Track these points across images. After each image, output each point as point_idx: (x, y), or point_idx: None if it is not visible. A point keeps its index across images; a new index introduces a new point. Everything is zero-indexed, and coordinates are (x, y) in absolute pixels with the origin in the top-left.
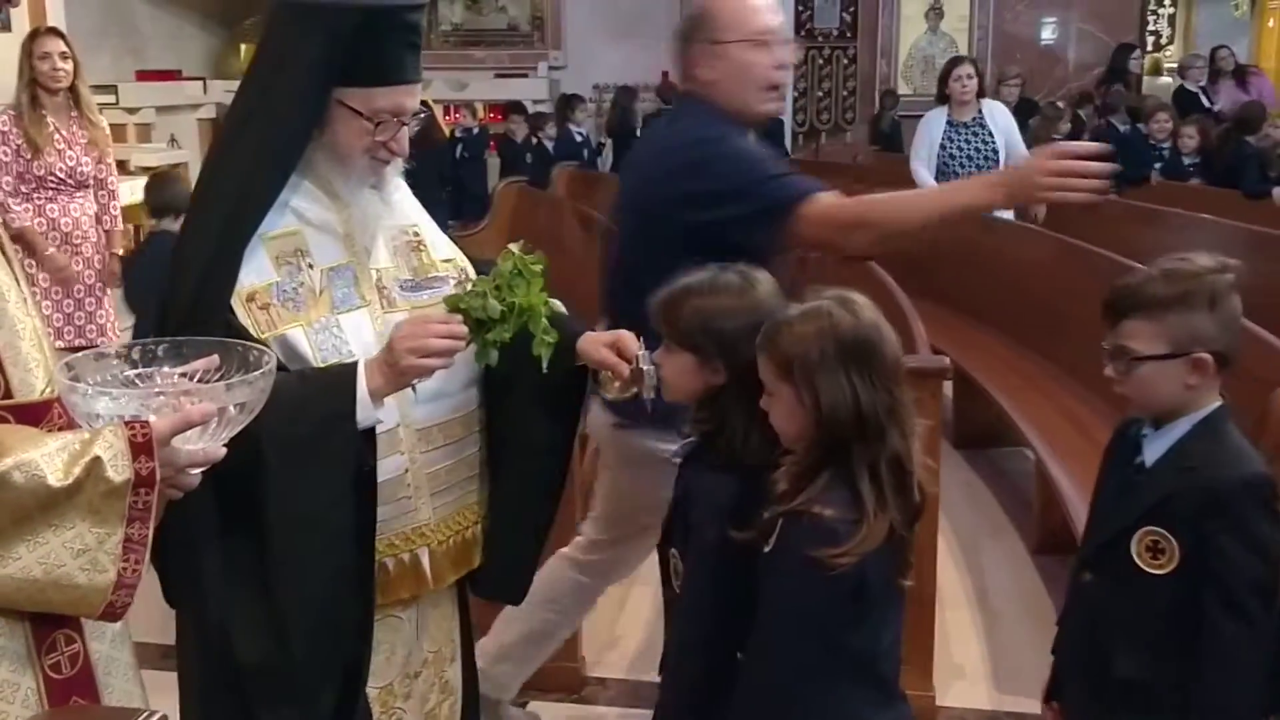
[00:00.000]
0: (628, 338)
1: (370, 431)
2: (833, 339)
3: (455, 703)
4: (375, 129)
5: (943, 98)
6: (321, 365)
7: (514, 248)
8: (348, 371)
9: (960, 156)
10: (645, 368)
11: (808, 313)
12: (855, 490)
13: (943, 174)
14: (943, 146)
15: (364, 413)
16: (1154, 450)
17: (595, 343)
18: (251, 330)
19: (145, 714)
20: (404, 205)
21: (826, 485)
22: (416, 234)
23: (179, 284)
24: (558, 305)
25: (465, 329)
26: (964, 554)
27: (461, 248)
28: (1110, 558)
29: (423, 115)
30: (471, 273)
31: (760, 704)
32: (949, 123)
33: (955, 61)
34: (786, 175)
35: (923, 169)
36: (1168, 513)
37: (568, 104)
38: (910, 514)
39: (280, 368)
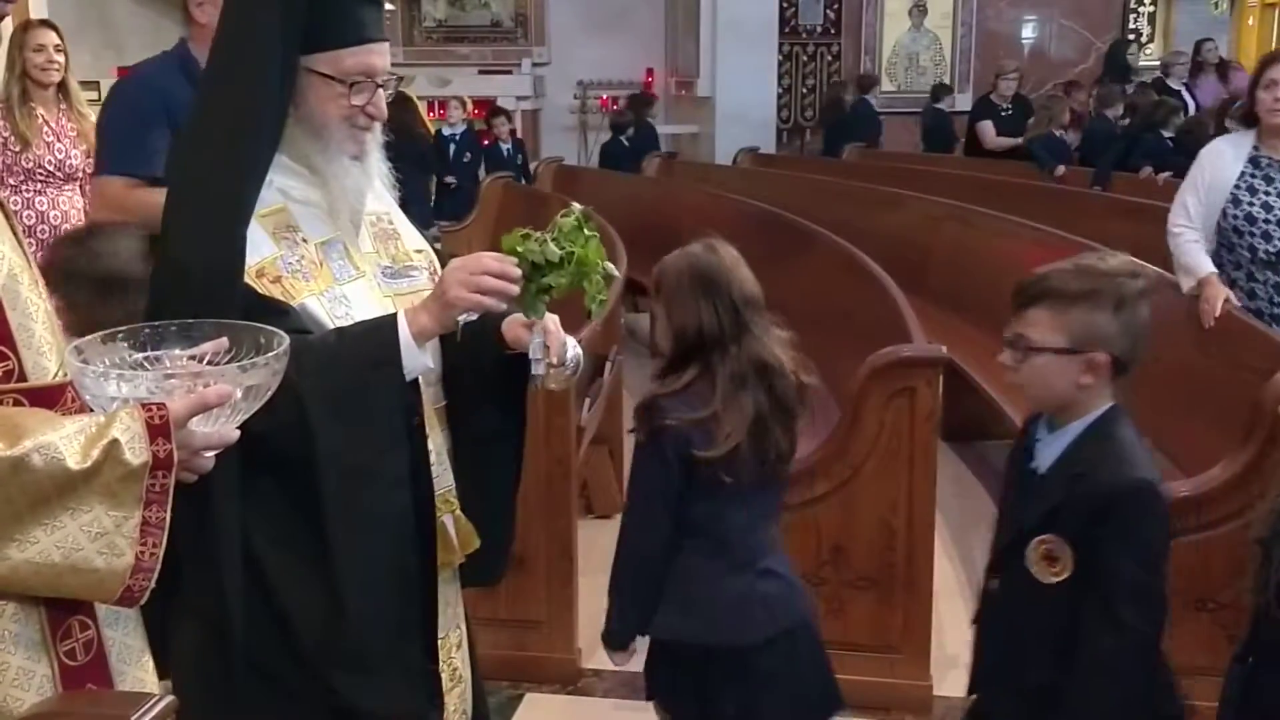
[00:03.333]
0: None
1: (416, 384)
2: (689, 273)
3: (465, 690)
4: (350, 90)
5: (1250, 117)
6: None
7: (576, 206)
8: (387, 320)
9: (1272, 217)
10: (534, 354)
11: (681, 251)
12: (712, 386)
13: (1235, 243)
14: (1237, 198)
15: (410, 358)
16: (1046, 455)
17: (513, 324)
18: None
19: (155, 698)
20: (380, 190)
21: (685, 383)
22: (391, 221)
23: (182, 272)
24: (613, 269)
25: (519, 272)
26: (956, 545)
27: (448, 244)
28: (1011, 564)
29: (393, 80)
30: (439, 266)
31: (624, 568)
32: (1256, 160)
33: (1271, 60)
34: None
35: (1190, 230)
36: (1059, 520)
37: (645, 102)
38: (780, 401)
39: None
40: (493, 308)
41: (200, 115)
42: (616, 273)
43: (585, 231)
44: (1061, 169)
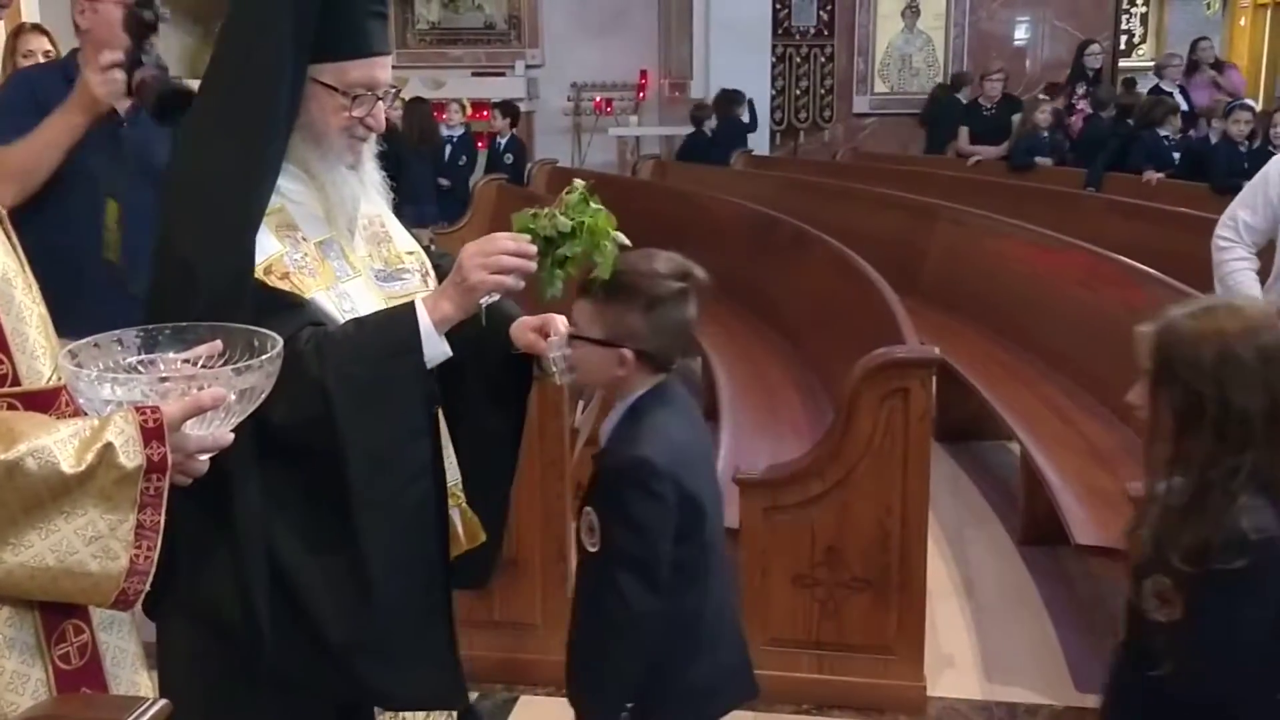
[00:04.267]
0: (554, 319)
1: (434, 374)
2: None
3: None
4: (351, 103)
5: None
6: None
7: (579, 183)
8: (407, 308)
9: None
10: (552, 354)
11: None
12: None
13: None
14: None
15: (430, 345)
16: (604, 433)
17: (523, 327)
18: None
19: (148, 702)
20: (372, 193)
21: None
22: (383, 224)
23: (189, 274)
24: (623, 237)
25: (534, 248)
26: (950, 546)
27: (442, 246)
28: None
29: (392, 90)
30: (430, 267)
31: None
32: None
33: None
34: None
35: (1237, 247)
36: (592, 493)
37: (732, 98)
38: None
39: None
40: (514, 286)
41: (208, 117)
42: (627, 241)
43: (592, 204)
44: (1045, 160)
